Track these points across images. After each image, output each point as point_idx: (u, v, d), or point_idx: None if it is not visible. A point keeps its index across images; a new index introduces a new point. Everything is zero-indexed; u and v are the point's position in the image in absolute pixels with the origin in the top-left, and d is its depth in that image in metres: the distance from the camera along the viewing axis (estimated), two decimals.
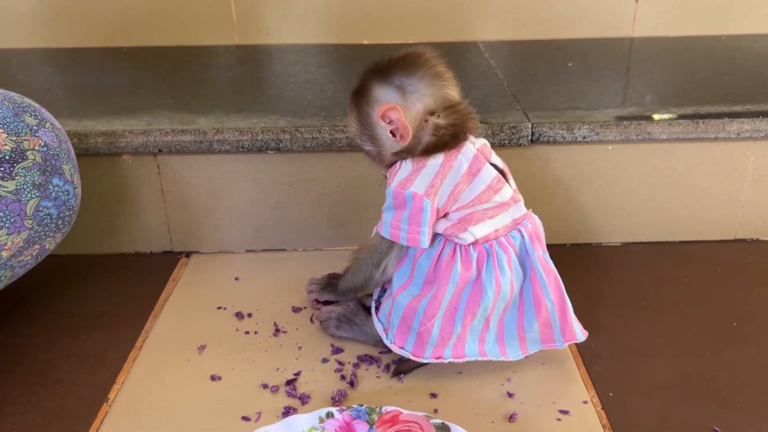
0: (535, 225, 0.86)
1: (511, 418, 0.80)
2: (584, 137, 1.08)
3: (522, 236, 0.84)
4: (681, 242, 1.18)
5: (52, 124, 0.90)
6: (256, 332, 0.96)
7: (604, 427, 0.80)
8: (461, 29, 1.53)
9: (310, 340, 0.94)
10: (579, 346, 0.92)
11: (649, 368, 0.89)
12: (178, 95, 1.23)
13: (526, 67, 1.38)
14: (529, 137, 1.08)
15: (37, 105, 0.91)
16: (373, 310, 0.90)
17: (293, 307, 1.01)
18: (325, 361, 0.90)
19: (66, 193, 0.88)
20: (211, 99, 1.21)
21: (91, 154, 1.07)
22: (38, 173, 0.84)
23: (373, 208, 1.12)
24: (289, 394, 0.84)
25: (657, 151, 1.11)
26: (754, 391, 0.85)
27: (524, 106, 1.15)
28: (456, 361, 0.85)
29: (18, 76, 1.36)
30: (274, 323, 0.98)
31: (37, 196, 0.84)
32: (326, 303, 0.99)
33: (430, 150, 0.80)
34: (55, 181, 0.87)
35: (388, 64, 0.80)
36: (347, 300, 0.96)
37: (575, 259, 1.12)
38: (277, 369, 0.89)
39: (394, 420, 0.75)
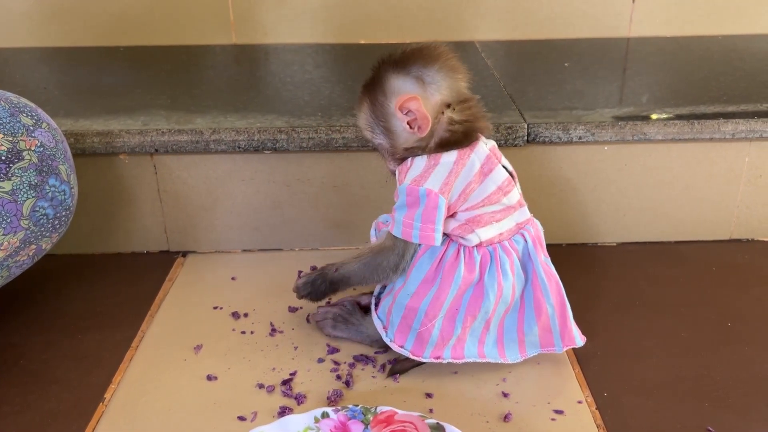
0: (537, 230, 0.87)
1: (506, 418, 0.81)
2: (580, 138, 1.09)
3: (525, 241, 0.84)
4: (676, 242, 1.19)
5: (48, 124, 0.90)
6: (252, 332, 0.96)
7: (598, 427, 0.80)
8: (458, 29, 1.53)
9: (306, 339, 0.95)
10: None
11: (644, 368, 0.89)
12: (175, 95, 1.23)
13: (522, 68, 1.38)
14: (525, 137, 1.08)
15: (33, 105, 0.91)
16: (372, 306, 0.90)
17: (289, 306, 1.01)
18: (321, 361, 0.90)
19: (62, 193, 0.88)
20: (208, 99, 1.21)
21: (87, 154, 1.07)
22: (34, 173, 0.84)
23: (370, 209, 1.12)
24: (285, 394, 0.84)
25: (652, 151, 1.12)
26: (748, 392, 0.85)
27: (520, 107, 1.15)
28: (455, 361, 0.85)
29: (15, 76, 1.36)
30: (270, 323, 0.98)
31: (33, 197, 0.84)
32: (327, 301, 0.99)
33: (443, 145, 0.80)
34: (52, 181, 0.87)
35: (405, 56, 0.79)
36: (340, 302, 0.97)
37: (571, 259, 1.12)
38: (273, 369, 0.89)
39: (389, 420, 0.75)
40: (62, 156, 0.89)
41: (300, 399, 0.83)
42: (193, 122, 1.10)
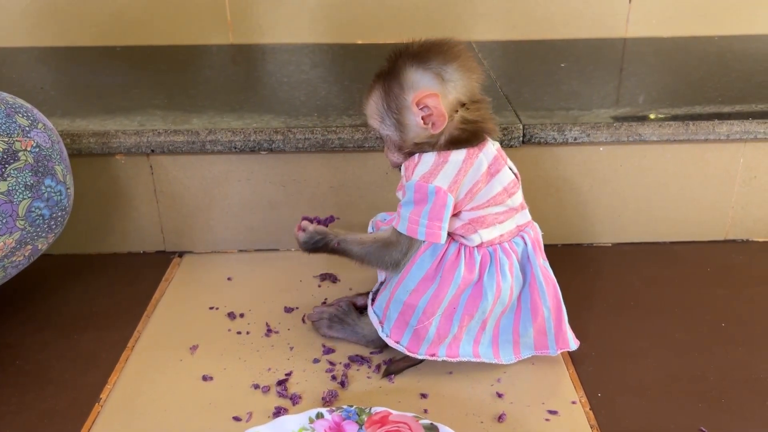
0: (536, 233, 0.87)
1: (500, 418, 0.81)
2: (575, 138, 1.09)
3: (525, 243, 0.85)
4: (671, 243, 1.19)
5: (44, 124, 0.90)
6: (248, 332, 0.97)
7: (592, 427, 0.80)
8: (455, 29, 1.53)
9: (302, 340, 0.95)
10: None
11: (638, 369, 0.90)
12: (172, 95, 1.23)
13: (518, 68, 1.39)
14: (521, 138, 1.09)
15: (29, 105, 0.91)
16: (369, 301, 0.90)
17: (285, 307, 1.02)
18: (316, 361, 0.91)
19: (58, 193, 0.88)
20: (205, 99, 1.21)
21: (83, 154, 1.08)
22: (30, 174, 0.85)
23: (366, 209, 1.13)
24: (280, 395, 0.85)
25: (648, 152, 1.12)
26: (741, 392, 0.85)
27: (516, 107, 1.16)
28: (449, 360, 0.86)
29: (11, 76, 1.36)
30: (266, 323, 0.98)
31: (29, 197, 0.84)
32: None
33: (453, 143, 0.80)
34: (48, 181, 0.87)
35: (425, 49, 0.78)
36: (336, 302, 0.97)
37: (566, 260, 1.13)
38: (269, 369, 0.89)
39: (383, 421, 0.76)
40: (58, 156, 0.89)
41: (295, 399, 0.84)
42: (190, 123, 1.10)
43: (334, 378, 0.88)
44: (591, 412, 0.83)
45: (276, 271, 1.11)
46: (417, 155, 0.81)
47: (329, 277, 1.09)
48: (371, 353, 0.92)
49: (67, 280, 1.09)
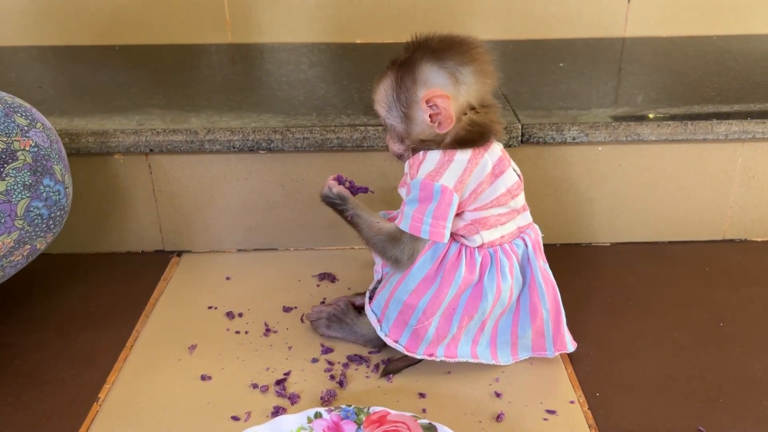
0: (537, 234, 0.87)
1: (499, 417, 0.81)
2: (574, 138, 1.09)
3: (526, 245, 0.85)
4: (669, 242, 1.19)
5: (43, 124, 0.90)
6: (246, 332, 0.97)
7: (590, 426, 0.81)
8: (453, 29, 1.51)
9: (301, 339, 0.95)
10: None
11: (636, 368, 0.90)
12: (170, 94, 1.23)
13: (517, 68, 1.39)
14: (519, 138, 1.09)
15: (28, 105, 0.91)
16: (366, 300, 0.90)
17: (284, 306, 1.02)
18: (314, 360, 0.91)
19: (57, 193, 0.88)
20: (203, 98, 1.21)
21: (82, 153, 1.08)
22: (29, 174, 0.85)
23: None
24: (279, 394, 0.85)
25: (646, 152, 1.12)
26: (738, 392, 0.86)
27: (515, 107, 1.16)
28: (447, 360, 0.86)
29: (10, 75, 1.36)
30: (265, 323, 0.98)
31: (27, 197, 0.84)
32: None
33: (458, 143, 0.79)
34: (46, 181, 0.87)
35: (443, 46, 0.77)
36: (335, 302, 0.97)
37: (565, 259, 1.13)
38: (267, 369, 0.89)
39: (381, 420, 0.76)
40: (57, 156, 0.89)
41: (294, 399, 0.84)
42: (188, 122, 1.10)
43: (332, 377, 0.88)
44: (589, 412, 0.83)
45: (275, 271, 1.11)
46: (422, 152, 0.81)
47: (328, 277, 1.09)
48: (370, 353, 0.92)
49: (65, 279, 1.09)
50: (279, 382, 0.86)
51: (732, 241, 1.20)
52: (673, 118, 1.11)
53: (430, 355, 0.85)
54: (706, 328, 0.97)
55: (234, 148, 1.08)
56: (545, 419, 0.81)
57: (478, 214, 0.82)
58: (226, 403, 0.84)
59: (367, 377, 0.88)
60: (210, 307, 1.02)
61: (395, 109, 0.80)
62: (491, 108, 0.81)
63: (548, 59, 1.43)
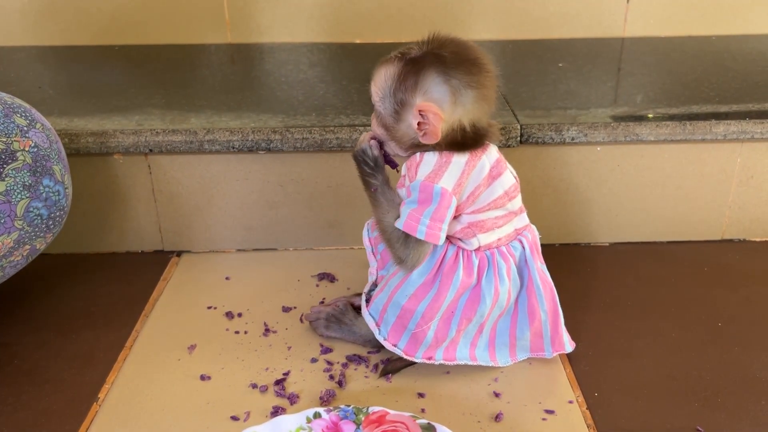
0: (534, 236, 0.87)
1: (497, 417, 0.81)
2: (573, 138, 1.09)
3: (523, 247, 0.85)
4: (668, 242, 1.19)
5: (42, 124, 0.90)
6: (245, 332, 0.97)
7: (588, 426, 0.81)
8: (452, 29, 1.51)
9: (300, 339, 0.95)
10: None
11: (634, 368, 0.90)
12: (170, 94, 1.24)
13: (516, 68, 1.39)
14: (518, 138, 1.09)
15: (27, 105, 0.91)
16: (363, 303, 0.90)
17: (283, 306, 1.02)
18: (314, 360, 0.91)
19: (56, 193, 0.89)
20: (203, 98, 1.21)
21: (82, 153, 1.08)
22: (28, 174, 0.85)
23: (364, 208, 1.12)
24: (278, 394, 0.85)
25: (645, 152, 1.12)
26: (737, 391, 0.86)
27: (514, 107, 1.16)
28: (446, 363, 0.86)
29: (9, 75, 1.36)
30: (264, 323, 0.99)
31: (27, 197, 0.85)
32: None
33: (452, 146, 0.79)
34: (46, 181, 0.87)
35: (457, 60, 0.76)
36: (333, 302, 0.97)
37: (563, 259, 1.13)
38: (267, 369, 0.90)
39: (380, 420, 0.76)
40: (56, 156, 0.90)
41: (293, 399, 0.84)
42: (188, 122, 1.10)
43: (331, 377, 0.88)
44: (588, 412, 0.83)
45: (274, 271, 1.11)
46: (418, 154, 0.80)
47: (327, 277, 1.09)
48: (369, 353, 0.92)
49: (65, 279, 1.09)
50: (278, 382, 0.87)
51: (731, 241, 1.20)
52: (672, 118, 1.11)
53: (429, 359, 0.86)
54: (705, 327, 0.98)
55: (233, 148, 1.08)
56: (544, 419, 0.82)
57: (476, 216, 0.82)
58: (225, 403, 0.84)
59: (366, 377, 0.88)
60: (209, 307, 1.02)
61: (388, 102, 0.79)
62: (485, 128, 0.80)
63: (547, 59, 1.43)
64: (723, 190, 1.16)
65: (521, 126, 1.09)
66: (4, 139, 0.84)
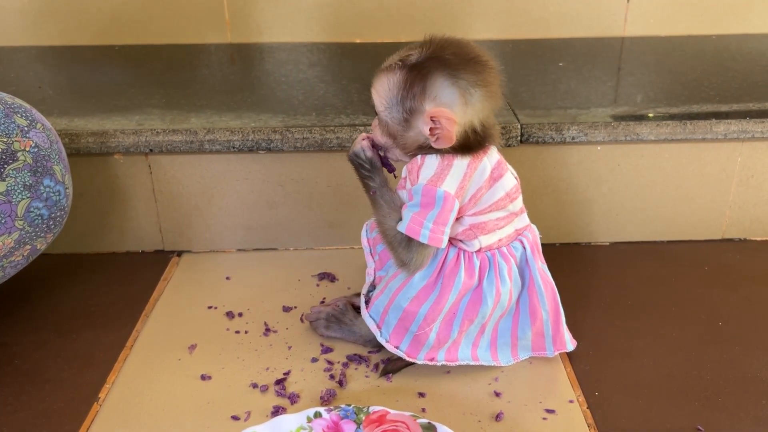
0: (534, 236, 0.87)
1: (498, 417, 0.81)
2: (573, 138, 1.09)
3: (524, 247, 0.85)
4: (668, 242, 1.19)
5: (43, 124, 0.90)
6: (246, 332, 0.97)
7: (589, 426, 0.81)
8: (452, 28, 1.53)
9: (300, 339, 0.95)
10: None
11: (635, 368, 0.90)
12: (170, 94, 1.24)
13: (516, 67, 1.39)
14: (519, 138, 1.09)
15: (27, 106, 0.91)
16: (362, 304, 0.90)
17: (283, 306, 1.02)
18: (314, 360, 0.91)
19: (57, 193, 0.89)
20: (203, 98, 1.21)
21: (82, 153, 1.08)
22: (29, 174, 0.85)
23: (364, 208, 1.12)
24: (279, 394, 0.85)
25: (645, 151, 1.12)
26: (737, 391, 0.86)
27: (514, 107, 1.16)
28: (448, 363, 0.86)
29: (9, 75, 1.36)
30: (265, 323, 0.99)
31: (27, 197, 0.85)
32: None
33: (456, 149, 0.78)
34: (46, 181, 0.87)
35: (460, 61, 0.75)
36: (333, 302, 0.97)
37: (564, 259, 1.13)
38: (267, 368, 0.90)
39: (381, 420, 0.76)
40: (57, 156, 0.90)
41: (293, 398, 0.84)
42: (188, 122, 1.10)
43: (332, 377, 0.88)
44: (588, 411, 0.83)
45: (274, 271, 1.11)
46: (419, 157, 0.80)
47: (327, 277, 1.09)
48: (369, 352, 0.92)
49: (65, 279, 1.09)
50: (279, 382, 0.87)
51: (731, 240, 1.20)
52: (672, 117, 1.11)
53: (431, 360, 0.86)
54: (705, 327, 0.98)
55: (234, 148, 1.08)
56: (544, 418, 0.82)
57: (477, 218, 0.82)
58: (225, 402, 0.84)
59: (366, 377, 0.88)
60: (210, 307, 1.02)
61: (395, 111, 0.77)
62: (492, 128, 0.80)
63: (547, 59, 1.43)
64: (723, 190, 1.16)
65: (521, 126, 1.09)
66: (5, 140, 0.84)
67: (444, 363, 0.86)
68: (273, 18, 1.52)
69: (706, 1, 1.54)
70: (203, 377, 0.88)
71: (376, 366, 0.90)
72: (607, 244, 1.19)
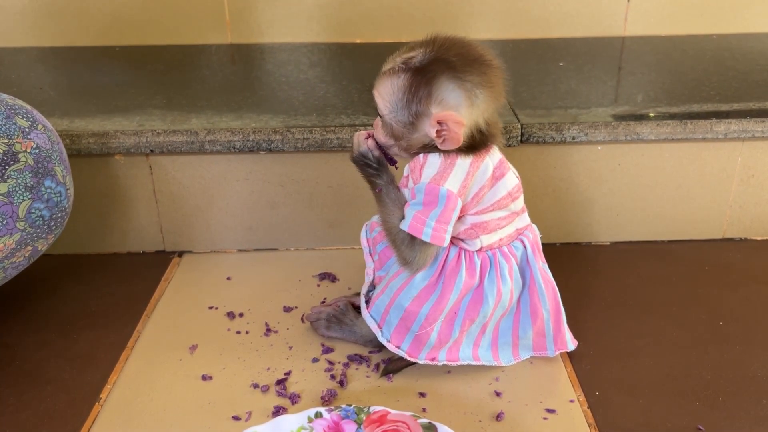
0: (535, 235, 0.87)
1: (499, 417, 0.81)
2: (573, 138, 1.09)
3: (525, 247, 0.85)
4: (669, 241, 1.19)
5: (44, 126, 0.90)
6: (247, 332, 0.97)
7: (590, 426, 0.81)
8: (452, 28, 1.52)
9: (301, 339, 0.95)
10: None
11: (635, 367, 0.90)
12: (170, 95, 1.24)
13: (516, 67, 1.39)
14: (519, 138, 1.09)
15: (29, 107, 0.91)
16: (363, 304, 0.90)
17: (284, 306, 1.02)
18: (315, 360, 0.91)
19: (58, 194, 0.89)
20: (203, 99, 1.21)
21: (83, 154, 1.08)
22: (30, 175, 0.85)
23: (365, 208, 1.13)
24: (280, 394, 0.85)
25: (645, 151, 1.12)
26: (737, 391, 0.86)
27: (514, 107, 1.16)
28: (449, 363, 0.86)
29: (10, 76, 1.36)
30: (265, 323, 0.99)
31: (29, 198, 0.85)
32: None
33: (460, 150, 0.78)
34: (48, 182, 0.87)
35: (465, 62, 0.75)
36: (334, 302, 0.97)
37: (564, 258, 1.13)
38: (268, 369, 0.90)
39: (381, 420, 0.76)
40: (58, 158, 0.90)
41: (294, 399, 0.84)
42: (189, 123, 1.10)
43: (333, 377, 0.88)
44: (589, 411, 0.83)
45: (275, 271, 1.11)
46: (422, 155, 0.80)
47: (328, 277, 1.09)
48: (370, 352, 0.92)
49: (66, 280, 1.09)
50: (279, 382, 0.87)
51: (731, 240, 1.20)
52: (673, 117, 1.11)
53: (432, 360, 0.86)
54: (706, 326, 0.98)
55: (234, 148, 1.08)
56: (545, 418, 0.82)
57: (479, 218, 0.82)
58: (226, 402, 0.84)
59: (367, 377, 0.88)
60: (211, 307, 1.02)
61: (401, 114, 0.77)
62: (495, 126, 0.80)
63: (548, 58, 1.43)
64: (724, 189, 1.16)
65: (522, 125, 1.09)
66: (6, 141, 0.84)
67: (445, 363, 0.86)
68: (273, 18, 1.52)
69: (706, 0, 1.54)
70: (204, 377, 0.88)
71: (377, 366, 0.90)
72: (608, 243, 1.19)
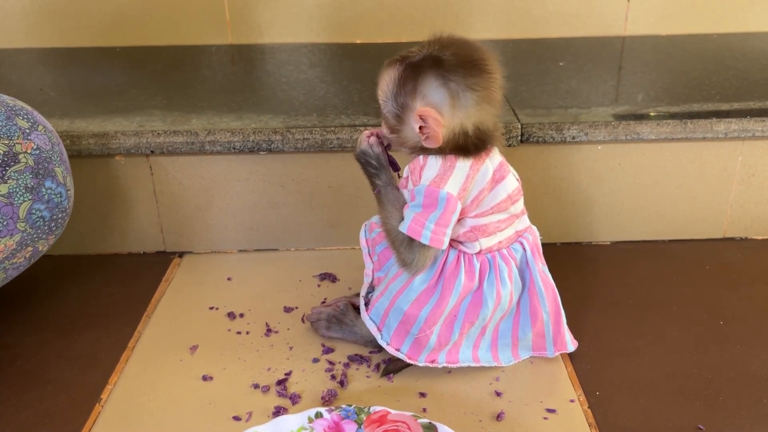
0: (535, 237, 0.87)
1: (499, 417, 0.81)
2: (573, 137, 1.09)
3: (524, 249, 0.85)
4: (669, 241, 1.19)
5: (44, 127, 0.90)
6: (247, 332, 0.97)
7: (590, 425, 0.81)
8: (453, 28, 1.52)
9: (302, 339, 0.95)
10: None
11: (636, 367, 0.90)
12: (171, 95, 1.24)
13: (516, 67, 1.39)
14: (519, 137, 1.09)
15: (29, 108, 0.91)
16: (362, 306, 0.90)
17: (285, 307, 1.02)
18: (315, 360, 0.91)
19: (59, 195, 0.89)
20: (204, 99, 1.21)
21: (83, 155, 1.08)
22: (31, 176, 0.85)
23: (365, 208, 1.13)
24: (280, 394, 0.85)
25: (646, 151, 1.12)
26: (738, 390, 0.86)
27: (514, 106, 1.16)
28: (449, 365, 0.86)
29: (10, 77, 1.36)
30: (266, 323, 0.99)
31: (29, 199, 0.85)
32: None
33: (456, 151, 0.78)
34: (48, 183, 0.87)
35: (457, 62, 0.74)
36: (334, 302, 0.97)
37: (565, 258, 1.13)
38: (268, 369, 0.90)
39: (382, 420, 0.76)
40: (58, 158, 0.90)
41: (295, 399, 0.84)
42: (189, 123, 1.10)
43: (333, 377, 0.88)
44: (589, 411, 0.83)
45: (275, 271, 1.11)
46: (421, 157, 0.80)
47: (328, 277, 1.09)
48: (370, 353, 0.92)
49: (67, 280, 1.09)
50: (280, 382, 0.87)
51: (732, 239, 1.20)
52: (673, 116, 1.11)
53: (432, 362, 0.86)
54: (706, 326, 0.98)
55: (234, 149, 1.08)
56: (545, 418, 0.82)
57: (479, 220, 0.82)
58: (227, 403, 0.84)
59: (367, 377, 0.88)
60: (211, 308, 1.02)
61: (390, 105, 0.78)
62: (490, 131, 0.79)
63: (548, 58, 1.43)
64: (724, 189, 1.16)
65: (522, 125, 1.09)
66: (7, 142, 0.84)
67: (445, 365, 0.86)
68: (273, 19, 1.52)
69: (706, 0, 1.54)
70: (205, 378, 0.88)
71: (377, 366, 0.90)
72: (608, 243, 1.19)
